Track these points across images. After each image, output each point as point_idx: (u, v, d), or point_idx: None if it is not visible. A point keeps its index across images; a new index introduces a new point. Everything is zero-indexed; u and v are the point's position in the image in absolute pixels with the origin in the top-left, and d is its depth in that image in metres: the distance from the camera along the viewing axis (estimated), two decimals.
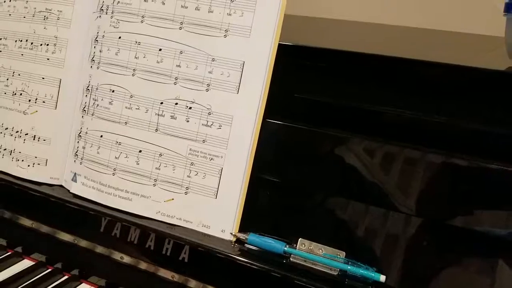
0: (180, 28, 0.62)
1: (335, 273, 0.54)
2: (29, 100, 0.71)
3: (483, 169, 0.51)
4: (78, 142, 0.68)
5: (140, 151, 0.63)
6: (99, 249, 0.66)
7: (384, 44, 0.76)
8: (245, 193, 0.60)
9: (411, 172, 0.54)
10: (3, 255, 0.71)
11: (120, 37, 0.64)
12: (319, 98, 0.61)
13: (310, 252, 0.55)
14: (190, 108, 0.61)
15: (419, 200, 0.54)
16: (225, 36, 0.60)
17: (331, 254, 0.55)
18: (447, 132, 0.56)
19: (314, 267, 0.55)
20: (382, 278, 0.52)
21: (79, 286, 0.67)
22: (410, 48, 0.75)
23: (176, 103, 0.62)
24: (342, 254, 0.54)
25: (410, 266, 0.54)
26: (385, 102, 0.58)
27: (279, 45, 0.58)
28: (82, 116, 0.68)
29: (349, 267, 0.53)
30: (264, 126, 0.59)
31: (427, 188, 0.53)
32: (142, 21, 0.63)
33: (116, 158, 0.64)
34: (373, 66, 0.60)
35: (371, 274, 0.52)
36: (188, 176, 0.61)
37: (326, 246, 0.55)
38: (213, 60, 0.60)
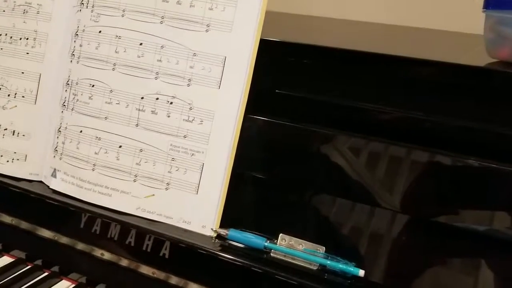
0: (161, 23, 0.61)
1: (315, 268, 0.54)
2: (8, 95, 0.70)
3: (462, 166, 0.52)
4: (57, 137, 0.67)
5: (120, 146, 0.63)
6: (80, 246, 0.65)
7: (366, 41, 0.76)
8: (226, 189, 0.59)
9: (392, 168, 0.54)
10: None
11: (100, 31, 0.64)
12: (301, 94, 0.61)
13: (291, 247, 0.55)
14: (171, 103, 0.61)
15: (400, 196, 0.54)
16: (206, 31, 0.60)
17: (311, 249, 0.55)
18: (430, 129, 0.56)
19: (294, 262, 0.55)
20: (361, 272, 0.52)
21: (59, 283, 0.67)
22: (392, 45, 0.75)
23: (157, 98, 0.61)
24: (322, 249, 0.54)
25: (390, 261, 0.54)
26: (367, 98, 0.58)
27: (261, 40, 0.58)
28: (62, 111, 0.67)
29: (328, 262, 0.53)
30: (246, 121, 0.59)
31: (408, 184, 0.54)
32: (123, 15, 0.63)
33: (96, 153, 0.64)
34: (355, 62, 0.60)
35: (350, 268, 0.52)
36: (169, 172, 0.61)
37: (306, 241, 0.55)
38: (194, 55, 0.60)
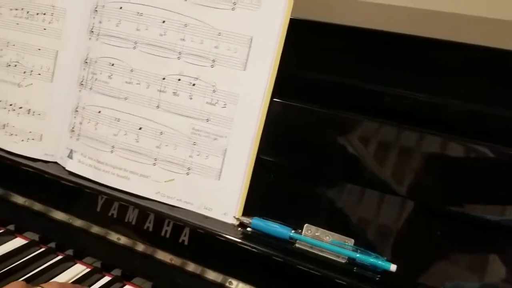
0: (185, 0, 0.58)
1: (343, 261, 0.52)
2: (24, 72, 0.68)
3: (503, 157, 0.49)
4: (74, 117, 0.65)
5: (140, 128, 0.60)
6: (95, 229, 0.64)
7: (402, 24, 0.73)
8: (250, 176, 0.57)
9: (426, 159, 0.51)
10: None
11: (121, 8, 0.61)
12: (332, 79, 0.58)
13: (317, 239, 0.53)
14: (194, 84, 0.58)
15: (434, 188, 0.51)
16: (232, 8, 0.57)
17: (339, 241, 0.52)
18: (463, 117, 0.53)
19: (321, 254, 0.53)
20: (393, 267, 0.50)
21: (73, 267, 0.65)
22: (434, 30, 0.72)
23: (179, 79, 0.59)
24: (351, 241, 0.52)
25: (421, 256, 0.51)
26: (399, 84, 0.55)
27: (291, 20, 0.55)
28: (80, 90, 0.65)
29: (358, 255, 0.51)
30: (272, 106, 0.57)
31: (443, 176, 0.51)
32: None
33: (114, 135, 0.61)
34: (388, 45, 0.56)
35: (381, 263, 0.50)
36: (190, 156, 0.59)
37: (333, 233, 0.53)
38: (219, 34, 0.57)
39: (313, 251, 0.53)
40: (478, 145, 0.49)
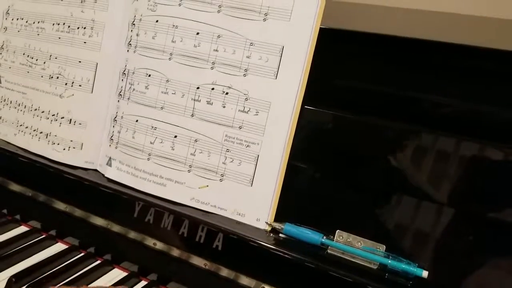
0: (219, 12, 0.60)
1: (375, 267, 0.52)
2: (66, 84, 0.71)
3: None
4: (113, 126, 0.67)
5: (176, 136, 0.62)
6: (132, 235, 0.66)
7: (433, 30, 0.72)
8: (282, 182, 0.58)
9: (459, 165, 0.51)
10: (37, 237, 0.72)
11: (157, 21, 0.63)
12: (363, 86, 0.58)
13: (349, 245, 0.54)
14: (227, 93, 0.60)
15: (465, 194, 0.51)
16: (264, 20, 0.58)
17: (371, 247, 0.53)
18: (503, 123, 0.53)
19: (353, 260, 0.53)
20: (425, 273, 0.49)
21: (111, 271, 0.67)
22: (457, 34, 0.71)
23: (213, 88, 0.61)
24: (382, 247, 0.52)
25: (453, 263, 0.51)
26: (432, 90, 0.55)
27: (320, 29, 0.56)
28: (118, 101, 0.67)
29: (389, 261, 0.51)
30: (303, 113, 0.58)
31: (474, 181, 0.51)
32: (180, 4, 0.62)
33: (151, 143, 0.64)
34: (419, 52, 0.57)
35: (412, 269, 0.50)
36: (224, 163, 0.60)
37: (365, 239, 0.53)
38: (251, 44, 0.59)
39: (345, 257, 0.54)
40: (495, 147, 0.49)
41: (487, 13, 0.74)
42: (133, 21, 0.66)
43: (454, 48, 0.54)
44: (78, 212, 0.70)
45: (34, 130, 0.73)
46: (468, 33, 0.72)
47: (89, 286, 0.53)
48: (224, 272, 0.60)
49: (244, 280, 0.59)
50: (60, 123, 0.72)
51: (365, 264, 0.53)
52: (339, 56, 0.60)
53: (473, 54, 0.54)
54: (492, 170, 0.51)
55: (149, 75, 0.64)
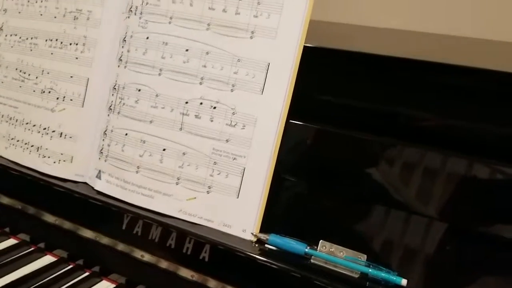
0: (207, 29, 0.62)
1: (356, 276, 0.54)
2: (57, 98, 0.73)
3: (506, 175, 0.51)
4: (103, 140, 0.69)
5: (164, 149, 0.64)
6: (120, 247, 0.66)
7: (408, 48, 0.76)
8: (267, 194, 0.60)
9: (434, 176, 0.53)
10: (26, 250, 0.72)
11: (148, 38, 0.66)
12: (344, 101, 0.61)
13: (331, 254, 0.55)
14: (215, 108, 0.62)
15: (442, 204, 0.53)
16: (251, 37, 0.61)
17: (353, 256, 0.54)
18: (472, 136, 0.55)
19: (335, 269, 0.55)
20: (404, 282, 0.51)
21: (100, 283, 0.68)
22: (432, 52, 0.74)
23: (201, 103, 0.62)
24: (364, 257, 0.54)
25: (432, 271, 0.53)
26: (409, 104, 0.58)
27: (304, 47, 0.58)
28: (108, 115, 0.69)
29: (370, 270, 0.53)
30: (288, 127, 0.60)
31: (451, 193, 0.53)
32: (170, 22, 0.64)
33: (140, 156, 0.65)
34: (398, 69, 0.59)
35: (392, 277, 0.51)
36: (211, 175, 0.62)
37: (347, 249, 0.55)
38: (238, 60, 0.61)
39: (328, 266, 0.55)
40: (478, 161, 0.51)
41: (464, 33, 0.78)
42: (124, 37, 0.68)
43: (434, 66, 0.57)
44: (67, 225, 0.70)
45: (25, 144, 0.75)
46: (450, 52, 0.75)
47: None
48: (212, 283, 0.61)
49: None
50: (51, 137, 0.73)
51: (347, 273, 0.54)
52: (322, 73, 0.62)
53: (454, 72, 0.57)
54: (468, 181, 0.53)
55: (139, 90, 0.66)
